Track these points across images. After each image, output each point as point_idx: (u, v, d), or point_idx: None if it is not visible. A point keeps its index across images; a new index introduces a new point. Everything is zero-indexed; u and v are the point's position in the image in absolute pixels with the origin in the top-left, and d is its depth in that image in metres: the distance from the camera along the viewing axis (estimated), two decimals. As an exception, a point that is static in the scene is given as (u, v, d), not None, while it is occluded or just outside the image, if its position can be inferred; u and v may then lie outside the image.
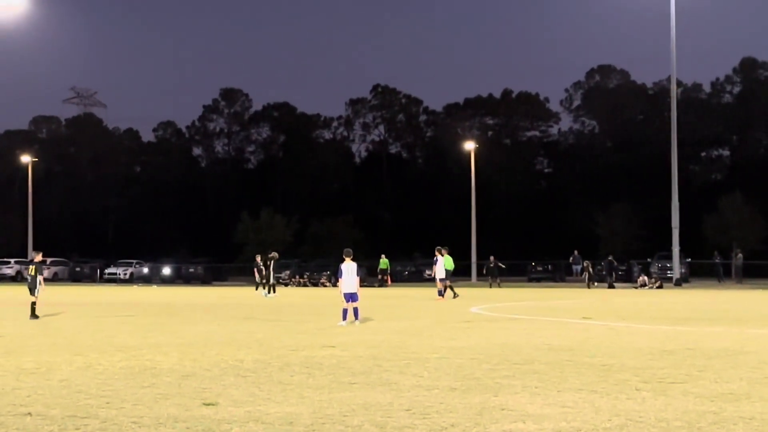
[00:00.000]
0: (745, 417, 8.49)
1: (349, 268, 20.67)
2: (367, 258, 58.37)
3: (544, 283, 60.70)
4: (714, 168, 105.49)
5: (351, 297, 20.52)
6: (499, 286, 54.55)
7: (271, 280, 42.44)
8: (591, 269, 55.72)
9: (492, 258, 58.19)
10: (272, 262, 42.86)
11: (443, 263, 37.15)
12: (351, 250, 21.22)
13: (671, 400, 9.46)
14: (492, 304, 31.30)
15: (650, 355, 13.71)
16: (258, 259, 46.39)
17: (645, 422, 8.22)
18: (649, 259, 65.78)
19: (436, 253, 37.43)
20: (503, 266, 58.04)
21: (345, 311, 20.59)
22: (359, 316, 20.71)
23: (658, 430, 7.92)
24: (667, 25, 59.11)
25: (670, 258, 59.50)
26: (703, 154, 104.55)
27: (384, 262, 57.05)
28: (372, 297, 36.17)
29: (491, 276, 57.02)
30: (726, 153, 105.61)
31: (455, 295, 36.65)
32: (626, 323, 21.14)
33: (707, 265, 66.32)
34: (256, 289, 45.67)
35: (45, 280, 24.92)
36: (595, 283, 54.27)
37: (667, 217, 58.72)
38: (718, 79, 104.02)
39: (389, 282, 56.18)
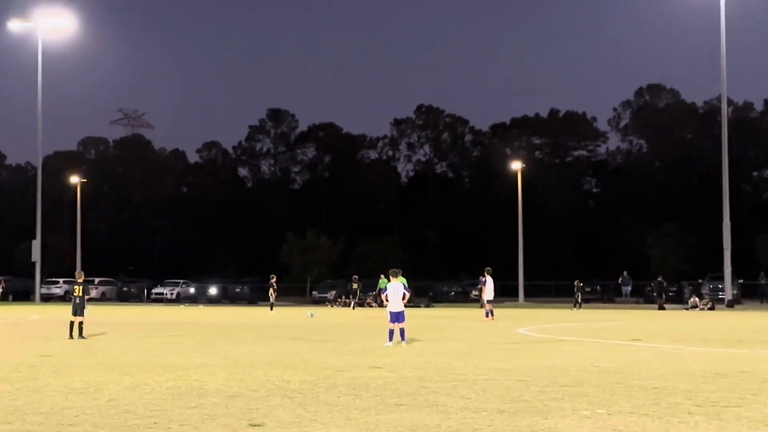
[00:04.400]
0: (804, 443, 8.26)
1: (395, 287, 20.61)
2: (415, 278, 57.84)
3: (593, 304, 60.02)
4: (766, 188, 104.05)
5: (397, 317, 20.43)
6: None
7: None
8: (580, 291, 52.86)
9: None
10: (357, 284, 53.42)
11: (491, 284, 36.99)
12: (397, 271, 21.17)
13: (725, 424, 9.25)
14: (540, 325, 31.02)
15: (702, 378, 13.45)
16: (273, 279, 47.32)
17: (699, 447, 8.03)
18: (700, 280, 64.90)
19: (485, 274, 37.25)
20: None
21: (391, 332, 20.49)
22: (405, 337, 20.61)
23: (713, 455, 7.73)
24: (718, 43, 58.64)
25: (721, 279, 58.64)
26: (755, 173, 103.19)
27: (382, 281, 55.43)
28: (418, 318, 36.00)
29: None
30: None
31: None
32: (677, 345, 20.80)
33: (759, 286, 65.38)
34: (271, 309, 46.19)
35: (91, 299, 25.15)
36: (580, 307, 51.66)
37: (719, 237, 57.86)
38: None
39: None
